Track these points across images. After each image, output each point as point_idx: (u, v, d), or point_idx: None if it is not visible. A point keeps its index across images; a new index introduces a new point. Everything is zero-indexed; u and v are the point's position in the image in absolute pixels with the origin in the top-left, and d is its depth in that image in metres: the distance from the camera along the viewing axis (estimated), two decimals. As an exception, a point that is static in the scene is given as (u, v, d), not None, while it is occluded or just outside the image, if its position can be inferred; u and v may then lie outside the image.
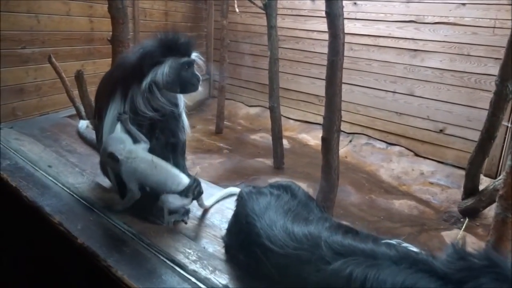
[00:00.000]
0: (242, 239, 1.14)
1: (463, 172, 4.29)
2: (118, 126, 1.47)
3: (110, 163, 1.45)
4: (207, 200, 1.64)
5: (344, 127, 3.24)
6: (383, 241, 1.05)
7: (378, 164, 5.31)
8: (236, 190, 1.60)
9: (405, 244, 1.11)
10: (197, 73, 1.56)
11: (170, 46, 1.49)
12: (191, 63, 1.54)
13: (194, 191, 1.50)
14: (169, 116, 1.58)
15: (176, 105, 1.61)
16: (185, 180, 1.48)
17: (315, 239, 0.98)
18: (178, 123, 1.65)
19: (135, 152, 1.44)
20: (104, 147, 1.44)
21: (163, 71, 1.46)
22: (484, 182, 4.24)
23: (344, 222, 3.67)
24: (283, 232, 1.03)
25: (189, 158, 1.72)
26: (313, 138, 5.95)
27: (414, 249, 1.04)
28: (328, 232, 1.01)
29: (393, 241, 1.10)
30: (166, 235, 1.38)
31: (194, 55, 1.56)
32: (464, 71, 4.91)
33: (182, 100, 1.67)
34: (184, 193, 1.46)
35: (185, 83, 1.53)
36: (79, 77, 3.22)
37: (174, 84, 1.51)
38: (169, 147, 1.59)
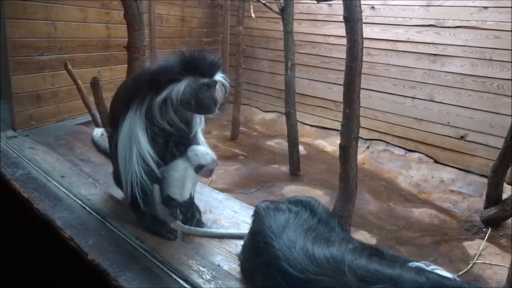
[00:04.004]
0: (259, 261, 1.08)
1: (485, 180, 4.16)
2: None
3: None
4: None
5: (361, 133, 3.15)
6: (411, 264, 0.98)
7: (396, 171, 5.19)
8: (243, 232, 1.49)
9: (434, 267, 1.04)
10: (216, 96, 1.50)
11: (191, 65, 1.45)
12: (211, 85, 1.49)
13: None
14: (183, 132, 1.54)
15: (188, 123, 1.56)
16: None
17: (338, 263, 0.91)
18: (193, 140, 1.60)
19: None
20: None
21: (179, 89, 1.42)
22: (507, 191, 4.09)
23: (361, 231, 3.57)
24: (303, 255, 0.96)
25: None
26: (330, 144, 5.86)
27: (446, 273, 0.97)
28: (352, 255, 0.94)
29: (422, 264, 1.02)
30: (179, 251, 1.34)
31: (218, 77, 1.51)
32: (486, 76, 4.77)
33: (200, 120, 1.62)
34: None
35: (200, 104, 1.48)
36: (94, 84, 3.20)
37: (189, 104, 1.46)
38: None
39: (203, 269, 1.24)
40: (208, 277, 1.20)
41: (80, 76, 3.49)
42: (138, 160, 1.42)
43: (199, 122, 1.63)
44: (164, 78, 1.42)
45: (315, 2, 5.95)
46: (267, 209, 1.21)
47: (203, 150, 1.58)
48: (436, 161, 5.23)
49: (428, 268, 1.00)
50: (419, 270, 0.91)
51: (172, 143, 1.52)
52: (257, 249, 1.11)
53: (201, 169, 1.53)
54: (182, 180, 1.48)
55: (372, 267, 0.89)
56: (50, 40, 3.93)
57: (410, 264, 0.99)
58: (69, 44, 4.16)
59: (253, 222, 1.24)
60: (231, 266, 1.31)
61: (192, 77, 1.44)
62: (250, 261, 1.17)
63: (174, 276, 1.20)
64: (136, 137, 1.42)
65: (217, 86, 1.52)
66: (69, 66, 3.41)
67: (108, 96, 3.14)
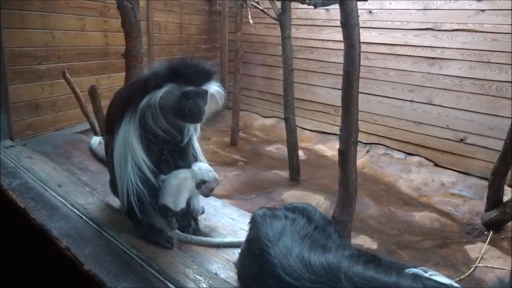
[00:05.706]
0: (255, 268, 1.07)
1: (485, 183, 4.14)
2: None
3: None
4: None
5: (361, 137, 3.15)
6: (408, 271, 0.96)
7: (396, 175, 5.17)
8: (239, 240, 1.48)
9: (432, 273, 1.03)
10: (201, 105, 1.46)
11: (175, 72, 1.42)
12: (197, 94, 1.44)
13: None
14: (178, 140, 1.53)
15: (180, 130, 1.54)
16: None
17: (334, 271, 0.90)
18: (187, 148, 1.59)
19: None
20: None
21: (157, 95, 1.40)
22: (508, 193, 4.07)
23: (362, 235, 3.55)
24: (299, 262, 0.95)
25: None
26: (330, 149, 5.84)
27: (444, 279, 0.95)
28: (348, 262, 0.93)
29: (419, 270, 1.01)
30: (176, 260, 1.33)
31: (209, 86, 1.48)
32: (485, 78, 4.77)
33: (195, 127, 1.61)
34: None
35: (182, 112, 1.44)
36: (93, 92, 3.21)
37: (170, 111, 1.44)
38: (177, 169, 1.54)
39: (200, 278, 1.23)
40: (205, 285, 1.19)
41: (79, 85, 3.49)
42: (134, 168, 1.41)
43: (194, 129, 1.61)
44: (149, 84, 1.41)
45: (312, 7, 5.98)
46: (264, 216, 1.20)
47: (207, 167, 1.59)
48: (436, 164, 5.21)
49: (426, 274, 0.99)
50: (416, 277, 0.90)
51: (167, 151, 1.52)
52: (254, 257, 1.10)
53: (202, 186, 1.53)
54: (178, 189, 1.47)
55: (368, 274, 0.88)
56: (48, 49, 3.93)
57: (407, 270, 0.98)
58: (67, 52, 4.15)
59: (250, 229, 1.23)
60: (228, 274, 1.30)
61: (174, 84, 1.41)
62: (247, 269, 1.16)
63: (171, 285, 1.19)
64: (131, 145, 1.42)
65: (209, 96, 1.48)
66: (67, 75, 3.42)
67: (106, 104, 3.13)
